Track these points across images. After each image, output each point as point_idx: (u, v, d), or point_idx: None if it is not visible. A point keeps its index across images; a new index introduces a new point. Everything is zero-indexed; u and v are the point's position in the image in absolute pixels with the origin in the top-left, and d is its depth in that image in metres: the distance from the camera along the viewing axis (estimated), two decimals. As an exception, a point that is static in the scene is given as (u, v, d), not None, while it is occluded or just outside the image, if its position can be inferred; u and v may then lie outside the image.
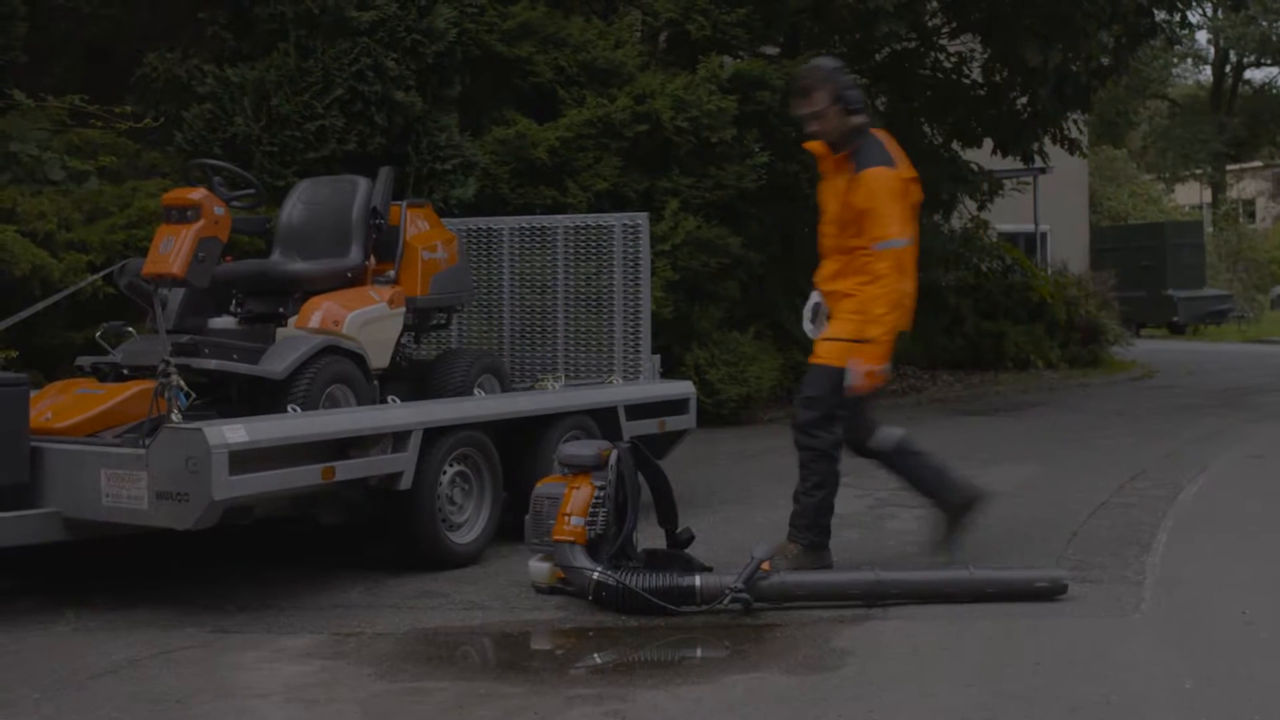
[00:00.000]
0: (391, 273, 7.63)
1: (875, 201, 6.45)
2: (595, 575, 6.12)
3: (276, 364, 6.70)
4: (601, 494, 6.36)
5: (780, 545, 6.61)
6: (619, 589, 6.06)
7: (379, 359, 7.37)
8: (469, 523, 7.24)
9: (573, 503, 6.33)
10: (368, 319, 7.28)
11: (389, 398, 7.22)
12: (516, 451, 7.57)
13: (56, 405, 6.55)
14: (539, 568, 6.43)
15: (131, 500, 5.90)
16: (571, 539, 6.27)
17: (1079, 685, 4.99)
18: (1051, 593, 6.28)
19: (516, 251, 8.90)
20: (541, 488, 6.57)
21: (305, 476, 6.31)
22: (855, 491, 9.43)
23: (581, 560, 6.22)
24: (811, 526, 6.70)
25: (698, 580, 6.10)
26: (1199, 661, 5.32)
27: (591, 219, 8.91)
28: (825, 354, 6.66)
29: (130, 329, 7.22)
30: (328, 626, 5.97)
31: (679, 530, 6.78)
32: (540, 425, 7.71)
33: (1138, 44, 18.44)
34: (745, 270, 14.37)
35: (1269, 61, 54.25)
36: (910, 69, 18.09)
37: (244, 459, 5.91)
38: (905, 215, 6.52)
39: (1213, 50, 55.56)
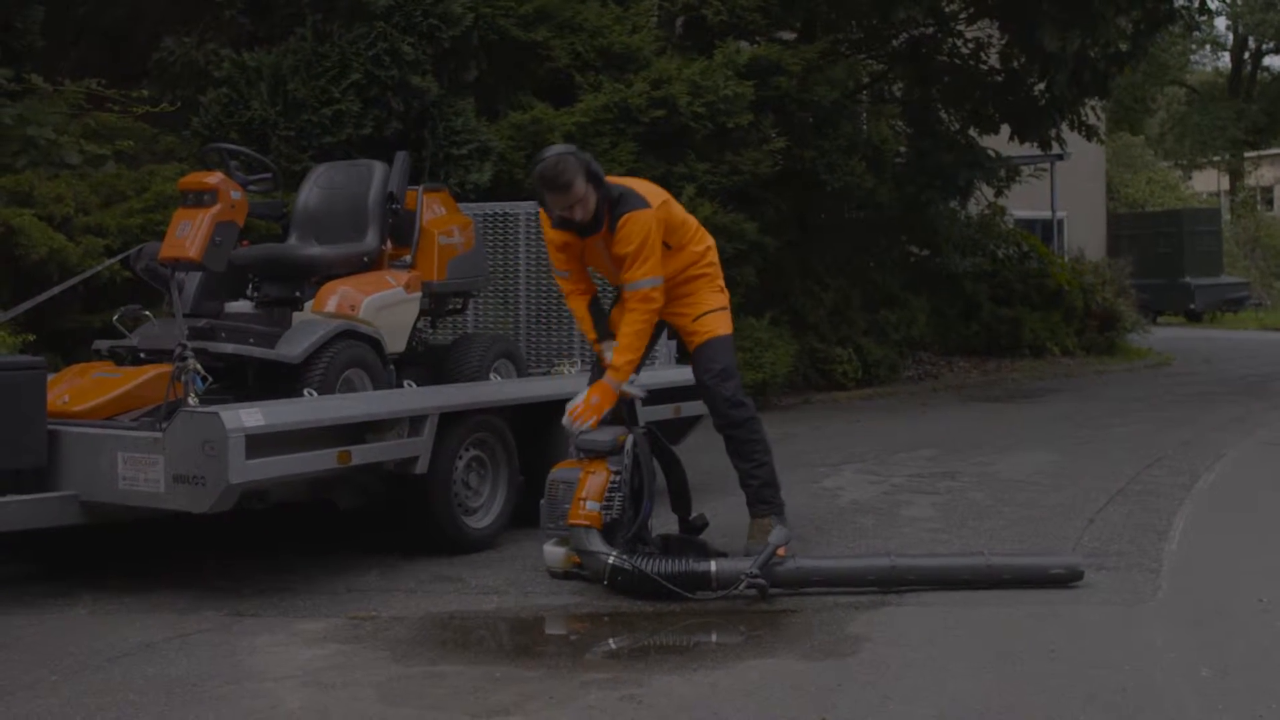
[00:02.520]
0: (408, 257, 7.63)
1: (630, 248, 6.45)
2: (611, 560, 6.12)
3: (293, 348, 6.71)
4: (617, 479, 6.35)
5: (755, 526, 6.65)
6: (634, 574, 6.06)
7: (395, 343, 7.37)
8: (484, 507, 7.25)
9: (588, 488, 6.33)
10: (384, 303, 7.28)
11: (405, 382, 7.22)
12: (532, 436, 7.57)
13: (74, 389, 6.57)
14: (554, 552, 6.42)
15: (148, 483, 5.91)
16: (587, 524, 6.27)
17: (1095, 672, 4.98)
18: (1067, 579, 6.27)
19: (533, 236, 8.88)
20: (557, 472, 6.57)
21: (321, 461, 6.32)
22: (870, 478, 9.46)
23: (597, 545, 6.22)
24: (777, 491, 6.79)
25: (713, 566, 6.10)
26: (1216, 649, 5.31)
27: (608, 204, 8.88)
28: (713, 326, 6.77)
29: (147, 313, 7.23)
30: (343, 610, 5.98)
31: (694, 516, 6.78)
32: (556, 410, 7.68)
33: (1156, 30, 18.34)
34: (761, 256, 14.34)
35: (1288, 48, 54.04)
36: (928, 55, 18.02)
37: (260, 443, 5.92)
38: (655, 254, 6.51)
39: (1231, 36, 55.26)
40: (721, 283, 6.93)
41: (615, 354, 6.48)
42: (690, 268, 6.77)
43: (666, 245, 6.61)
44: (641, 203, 6.47)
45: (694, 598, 6.02)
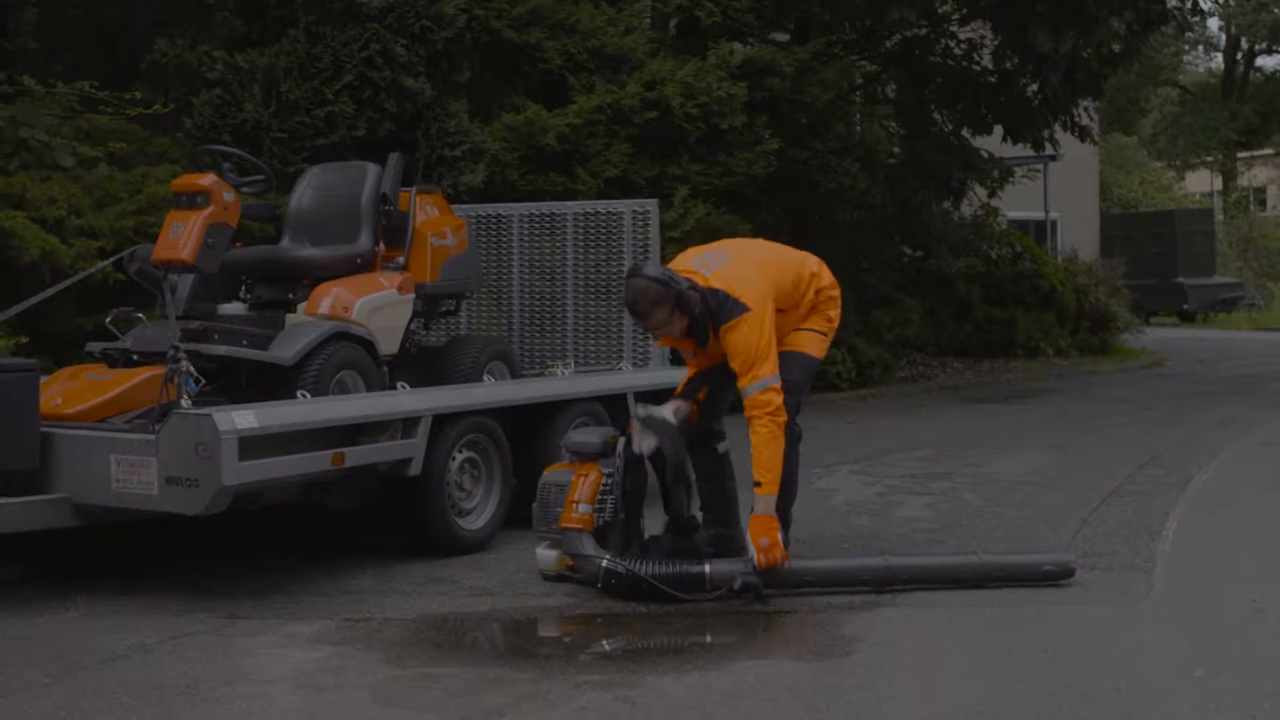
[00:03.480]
0: (401, 259, 7.63)
1: (741, 352, 6.22)
2: (604, 563, 6.12)
3: (286, 350, 6.71)
4: (609, 481, 6.34)
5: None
6: (628, 576, 6.05)
7: (388, 345, 7.36)
8: (478, 509, 7.24)
9: (580, 490, 6.32)
10: (377, 305, 7.28)
11: (398, 384, 7.22)
12: (526, 438, 7.57)
13: (66, 391, 6.56)
14: (546, 555, 6.42)
15: (141, 486, 5.90)
16: (579, 526, 6.26)
17: (1089, 673, 4.98)
18: (1059, 576, 6.27)
19: (526, 238, 8.89)
20: (549, 475, 6.56)
21: (315, 462, 6.32)
22: (864, 479, 9.46)
23: (589, 548, 6.22)
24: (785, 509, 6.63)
25: (708, 568, 6.09)
26: (1209, 649, 5.31)
27: (601, 206, 8.90)
28: (804, 342, 6.59)
29: (140, 315, 7.23)
30: (337, 612, 5.97)
31: (687, 516, 6.77)
32: (550, 412, 7.70)
33: (1149, 30, 18.36)
34: (754, 257, 14.33)
35: (1280, 49, 54.12)
36: (921, 56, 18.04)
37: (254, 445, 5.92)
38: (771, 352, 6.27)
39: (1224, 37, 55.32)
40: (833, 313, 6.69)
41: (756, 472, 6.15)
42: (807, 310, 6.62)
43: (780, 309, 6.42)
44: (740, 309, 6.19)
45: (688, 599, 6.02)
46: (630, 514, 6.36)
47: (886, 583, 6.19)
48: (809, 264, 6.67)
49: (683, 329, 6.34)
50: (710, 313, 6.24)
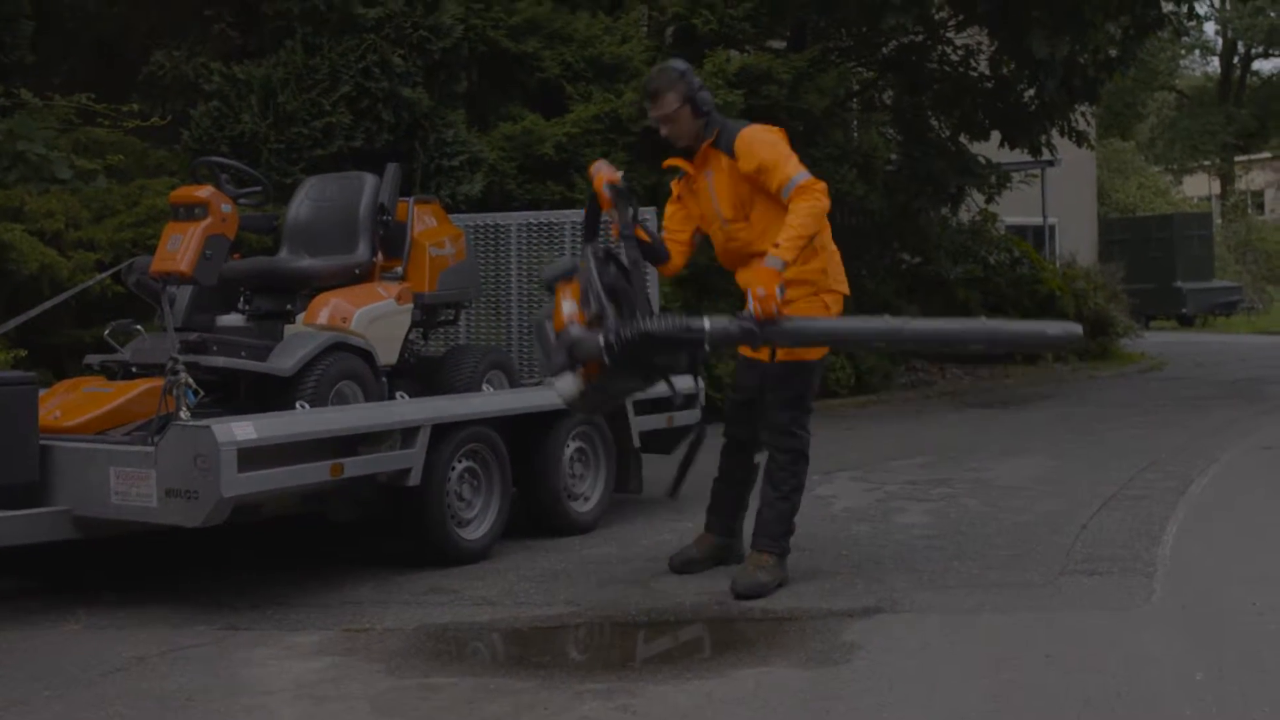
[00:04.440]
0: (399, 269, 7.64)
1: (763, 155, 6.24)
2: (601, 339, 5.89)
3: (284, 361, 6.71)
4: (587, 281, 6.14)
5: (752, 558, 6.44)
6: (629, 339, 5.86)
7: (387, 355, 7.37)
8: (478, 519, 7.24)
9: (564, 301, 6.13)
10: (375, 315, 7.28)
11: (397, 394, 7.22)
12: (525, 447, 7.57)
13: (65, 403, 6.56)
14: (563, 382, 6.13)
15: (141, 498, 5.91)
16: (571, 320, 6.04)
17: (1090, 678, 4.98)
18: (1064, 342, 6.17)
19: (524, 247, 8.90)
20: (537, 317, 6.53)
21: (314, 473, 6.32)
22: (864, 486, 9.46)
23: (584, 333, 5.99)
24: (787, 534, 6.52)
25: (707, 323, 5.95)
26: (1210, 653, 5.31)
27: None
28: (804, 348, 6.46)
29: (138, 327, 7.23)
30: (337, 623, 5.97)
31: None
32: (548, 421, 7.70)
33: (1145, 35, 18.37)
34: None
35: (1277, 52, 54.18)
36: (917, 62, 18.05)
37: (253, 456, 5.92)
38: (793, 156, 6.28)
39: (1221, 41, 55.41)
40: (828, 300, 6.46)
41: (782, 235, 6.05)
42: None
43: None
44: (746, 123, 6.39)
45: (693, 345, 5.99)
46: (621, 309, 6.16)
47: (894, 343, 6.13)
48: None
49: (688, 131, 6.35)
50: (718, 135, 6.32)
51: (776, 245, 6.05)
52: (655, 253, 6.61)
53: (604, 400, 6.65)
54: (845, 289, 6.55)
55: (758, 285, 5.97)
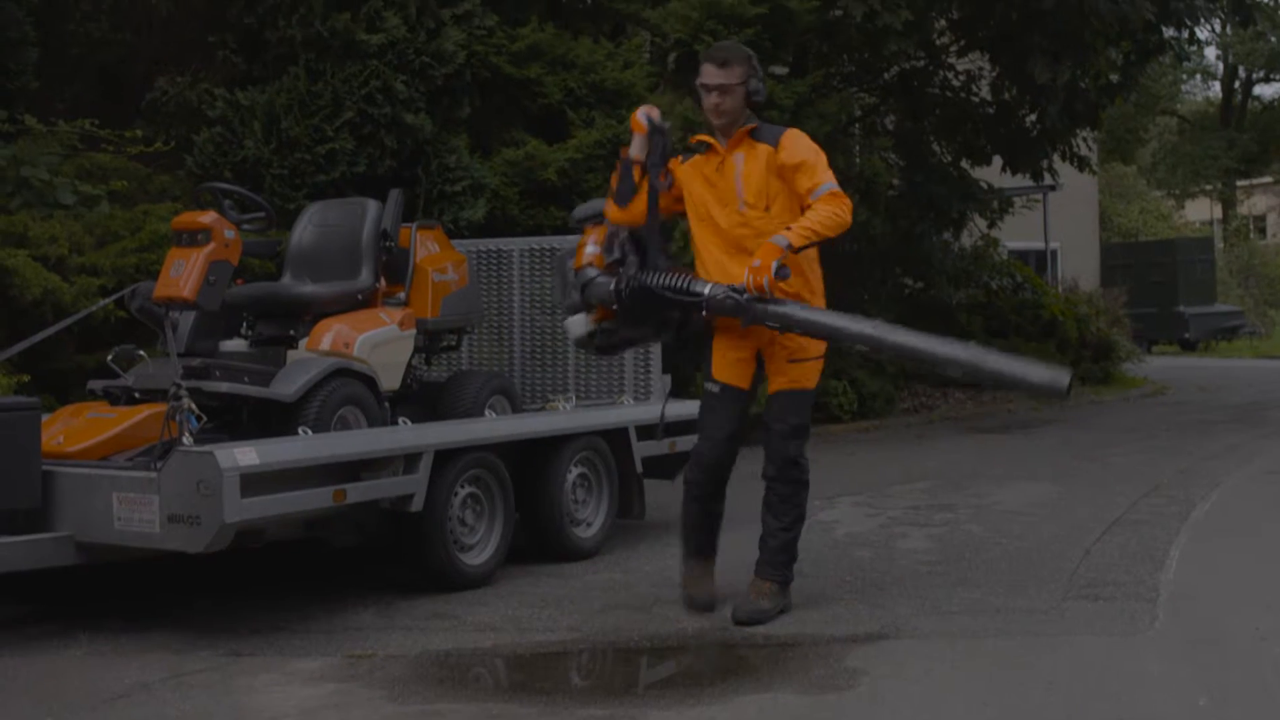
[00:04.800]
0: (402, 295, 7.65)
1: (806, 154, 6.29)
2: (613, 285, 6.19)
3: (287, 386, 6.72)
4: (614, 230, 6.37)
5: (755, 585, 6.40)
6: (637, 288, 6.12)
7: (390, 381, 7.37)
8: (480, 544, 7.23)
9: (589, 242, 6.39)
10: (378, 341, 7.29)
11: (400, 420, 7.22)
12: (528, 473, 7.57)
13: (68, 429, 6.57)
14: (575, 321, 6.39)
15: (143, 523, 5.90)
16: (590, 263, 6.31)
17: (1093, 703, 4.97)
18: (1047, 391, 5.99)
19: (526, 273, 8.90)
20: (561, 254, 6.67)
21: (317, 499, 6.32)
22: (866, 511, 9.45)
23: (598, 275, 6.25)
24: (791, 562, 6.50)
25: (707, 288, 6.10)
26: (1213, 678, 5.30)
27: (602, 239, 8.90)
28: (803, 376, 6.43)
29: (141, 352, 7.24)
30: (340, 649, 5.96)
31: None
32: (551, 446, 7.71)
33: (1147, 60, 18.43)
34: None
35: (1278, 77, 54.24)
36: (919, 87, 18.09)
37: (255, 481, 5.92)
38: (830, 170, 6.33)
39: (1222, 66, 55.52)
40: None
41: (799, 223, 6.09)
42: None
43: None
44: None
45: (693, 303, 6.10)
46: (639, 254, 6.36)
47: (873, 348, 6.14)
48: None
49: (732, 109, 6.38)
50: (756, 128, 6.39)
51: (788, 228, 6.07)
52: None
53: (612, 345, 6.71)
54: (822, 303, 6.52)
55: (756, 258, 6.00)
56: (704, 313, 6.14)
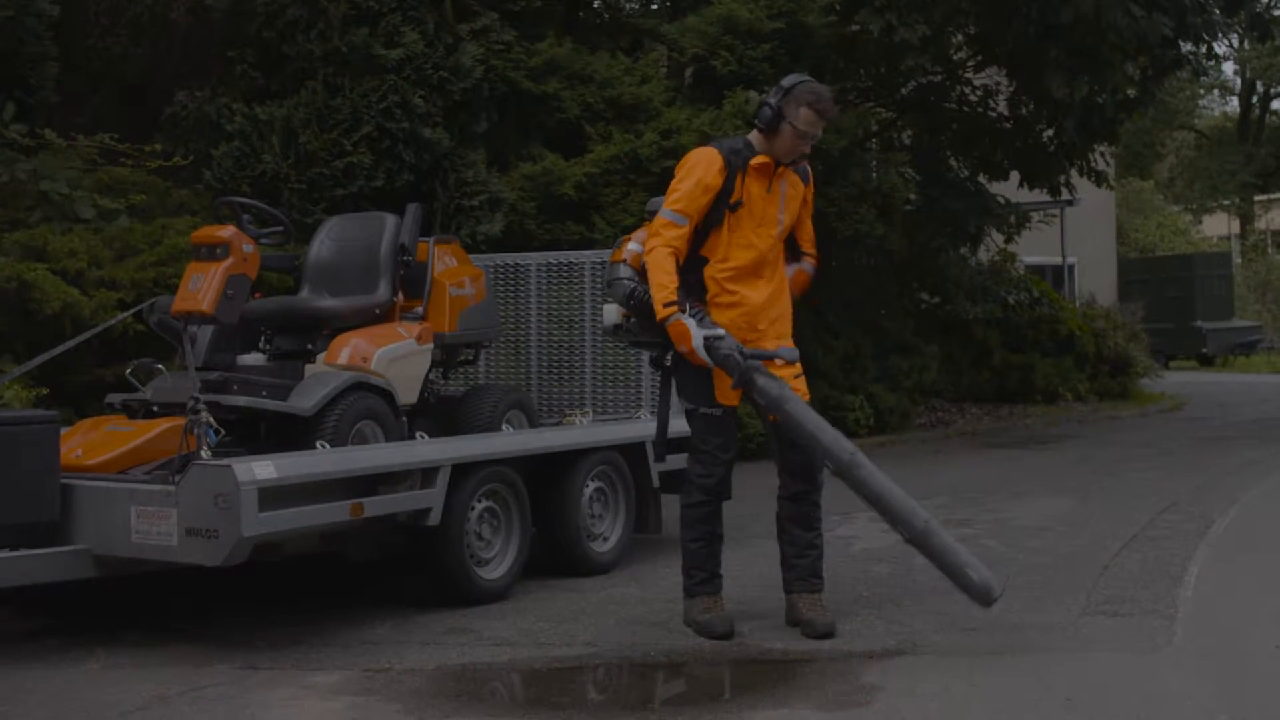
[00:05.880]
0: (419, 309, 7.66)
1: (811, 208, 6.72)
2: (629, 290, 6.34)
3: (305, 400, 6.73)
4: None
5: (814, 600, 6.41)
6: (644, 303, 6.23)
7: (407, 395, 7.38)
8: (497, 558, 7.23)
9: (634, 239, 6.51)
10: (396, 355, 7.30)
11: (417, 434, 7.23)
12: (544, 487, 7.57)
13: (87, 442, 6.59)
14: (609, 309, 6.57)
15: (161, 537, 5.91)
16: (625, 260, 6.44)
17: (1111, 720, 4.95)
18: (979, 594, 5.99)
19: (544, 287, 8.91)
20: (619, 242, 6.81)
21: (334, 513, 6.32)
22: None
23: (625, 273, 6.40)
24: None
25: (711, 331, 6.19)
26: (1232, 695, 5.28)
27: (619, 254, 8.91)
28: (803, 390, 6.45)
29: (160, 366, 7.26)
30: (357, 663, 5.96)
31: None
32: (568, 461, 7.71)
33: (1164, 75, 18.39)
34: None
35: (1296, 92, 54.23)
36: (936, 102, 18.09)
37: (273, 495, 5.92)
38: None
39: (1239, 81, 55.50)
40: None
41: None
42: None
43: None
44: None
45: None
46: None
47: (836, 469, 6.15)
48: None
49: (802, 154, 6.51)
50: (797, 163, 6.53)
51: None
52: None
53: (634, 342, 6.82)
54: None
55: (782, 344, 6.43)
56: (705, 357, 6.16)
